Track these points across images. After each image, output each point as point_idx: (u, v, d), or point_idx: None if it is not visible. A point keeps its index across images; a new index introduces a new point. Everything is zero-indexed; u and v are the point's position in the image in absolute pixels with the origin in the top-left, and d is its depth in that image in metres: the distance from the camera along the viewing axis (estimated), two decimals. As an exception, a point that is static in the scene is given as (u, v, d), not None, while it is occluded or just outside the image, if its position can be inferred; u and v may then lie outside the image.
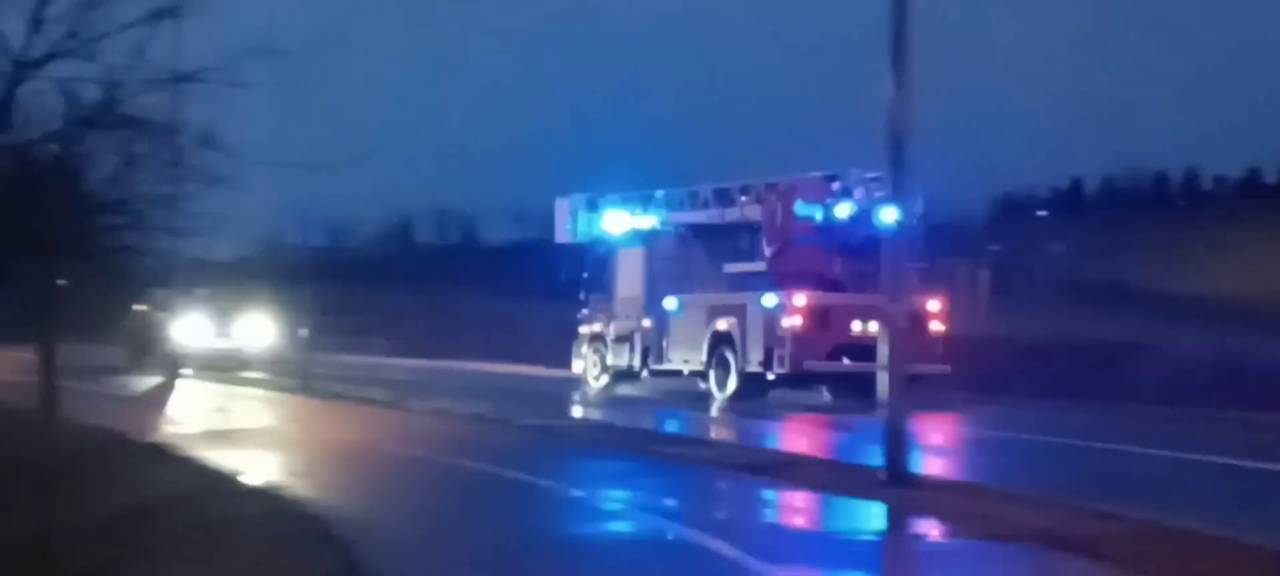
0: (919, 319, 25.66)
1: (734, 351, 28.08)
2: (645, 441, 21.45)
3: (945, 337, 27.72)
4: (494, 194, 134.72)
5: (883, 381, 16.74)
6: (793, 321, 27.14)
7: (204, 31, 16.54)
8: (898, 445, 15.93)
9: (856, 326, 26.86)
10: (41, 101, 14.47)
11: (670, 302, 29.96)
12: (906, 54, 15.95)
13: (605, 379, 32.12)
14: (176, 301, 38.47)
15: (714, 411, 27.77)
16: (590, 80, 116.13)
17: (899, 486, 15.56)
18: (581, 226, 31.94)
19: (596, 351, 32.18)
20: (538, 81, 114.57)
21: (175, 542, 14.08)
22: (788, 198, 28.06)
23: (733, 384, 28.27)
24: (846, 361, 27.06)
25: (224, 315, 39.95)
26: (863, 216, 26.83)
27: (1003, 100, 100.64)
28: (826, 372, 27.74)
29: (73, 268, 14.79)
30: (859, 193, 27.67)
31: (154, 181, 13.72)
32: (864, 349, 25.08)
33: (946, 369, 27.26)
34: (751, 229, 29.29)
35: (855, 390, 26.06)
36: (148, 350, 39.44)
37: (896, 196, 16.49)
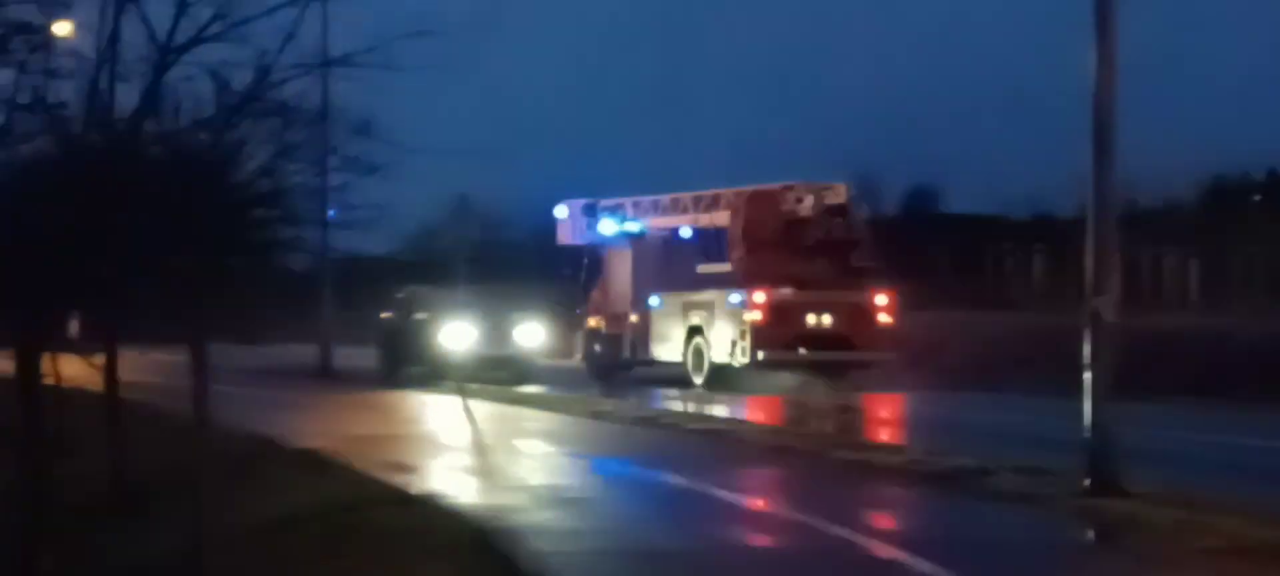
0: (868, 311, 30.36)
1: (706, 343, 31.30)
2: (822, 446, 20.65)
3: (893, 328, 30.88)
4: (648, 185, 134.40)
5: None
6: (753, 316, 29.98)
7: (355, 14, 16.23)
8: (1104, 451, 14.91)
9: (811, 319, 30.31)
10: (192, 89, 14.22)
11: (653, 300, 33.12)
12: (1111, 23, 14.93)
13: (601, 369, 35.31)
14: (439, 301, 35.14)
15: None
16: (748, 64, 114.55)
17: (1104, 496, 14.58)
18: (580, 229, 35.56)
19: (593, 344, 35.91)
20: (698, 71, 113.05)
21: (324, 553, 13.79)
22: (751, 205, 31.43)
23: (706, 372, 31.70)
24: (802, 351, 30.57)
25: (496, 317, 34.92)
26: (817, 222, 31.13)
27: (1212, 73, 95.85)
28: (783, 361, 30.84)
29: (233, 263, 14.47)
30: (809, 200, 31.27)
31: (308, 172, 13.30)
32: (819, 338, 30.30)
33: (892, 356, 30.87)
34: (720, 233, 32.05)
35: (822, 373, 31.16)
36: (406, 359, 35.52)
37: (1099, 186, 15.30)
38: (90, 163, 14.32)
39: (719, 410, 27.46)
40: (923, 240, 54.63)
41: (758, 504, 16.55)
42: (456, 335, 33.77)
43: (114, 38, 15.46)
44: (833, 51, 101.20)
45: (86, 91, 15.27)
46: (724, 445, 21.56)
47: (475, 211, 34.99)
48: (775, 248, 31.04)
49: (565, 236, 36.48)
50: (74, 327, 23.34)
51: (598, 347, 35.61)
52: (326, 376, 38.06)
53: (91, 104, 15.34)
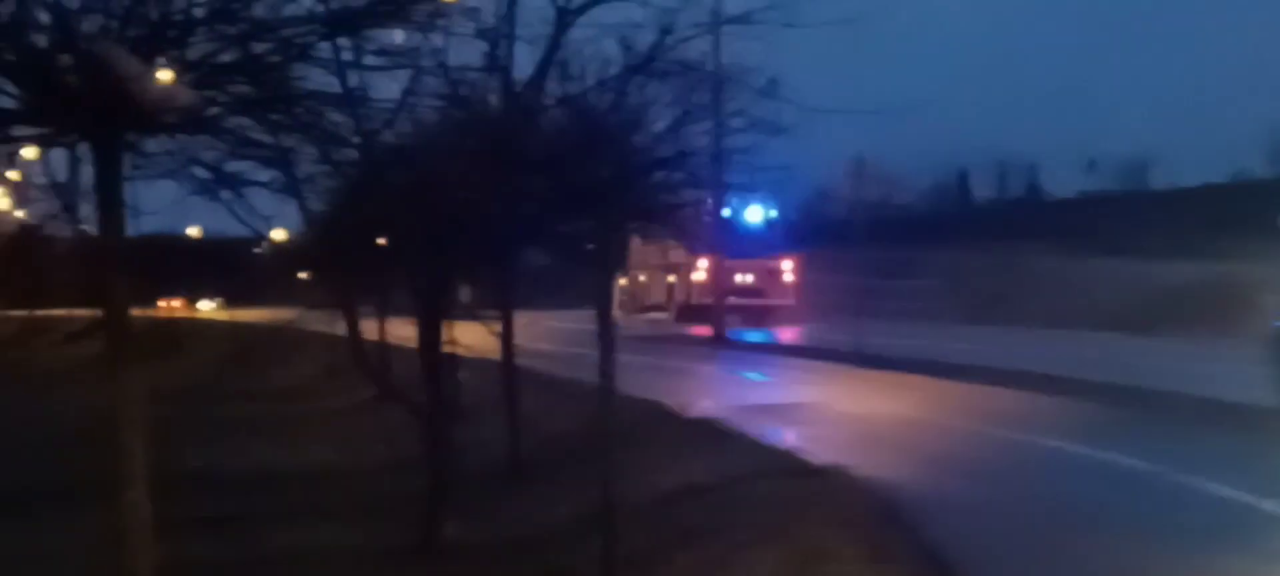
0: (779, 272, 49.65)
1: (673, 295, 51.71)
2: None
3: (796, 284, 49.94)
4: (1061, 142, 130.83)
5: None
6: (699, 275, 48.16)
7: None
8: None
9: (738, 278, 47.46)
10: (591, 52, 14.88)
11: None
12: None
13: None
14: None
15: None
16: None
17: None
18: None
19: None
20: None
21: (726, 523, 14.22)
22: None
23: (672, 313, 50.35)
24: (733, 300, 45.74)
25: None
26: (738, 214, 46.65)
27: None
28: (721, 305, 42.98)
29: (628, 227, 15.09)
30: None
31: (711, 134, 13.75)
32: (743, 291, 48.08)
33: (793, 301, 48.89)
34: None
35: (748, 319, 46.34)
36: None
37: None
38: (490, 126, 15.16)
39: None
40: None
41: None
42: None
43: (513, 1, 16.31)
44: None
45: (486, 55, 16.15)
46: None
47: (872, 173, 34.69)
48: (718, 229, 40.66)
49: None
50: (466, 294, 24.68)
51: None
52: (720, 344, 38.95)
53: (491, 67, 16.23)
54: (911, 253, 52.62)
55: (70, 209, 8.13)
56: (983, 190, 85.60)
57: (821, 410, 22.91)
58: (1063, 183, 77.57)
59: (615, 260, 14.45)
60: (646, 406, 21.57)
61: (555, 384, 25.90)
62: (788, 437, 19.02)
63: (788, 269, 49.96)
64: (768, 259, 49.07)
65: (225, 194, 9.42)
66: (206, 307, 74.33)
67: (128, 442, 8.03)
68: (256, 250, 57.14)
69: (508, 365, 20.76)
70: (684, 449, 18.92)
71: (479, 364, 23.62)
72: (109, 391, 8.09)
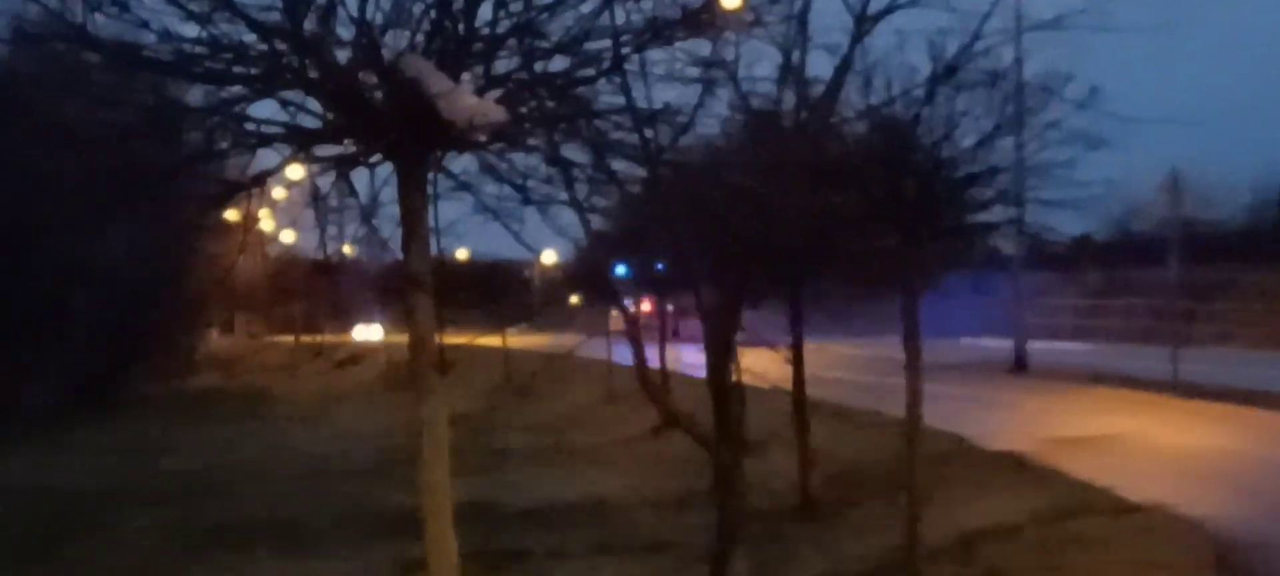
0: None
1: None
2: None
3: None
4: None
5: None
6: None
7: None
8: None
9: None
10: (891, 61, 14.72)
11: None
12: None
13: None
14: None
15: None
16: None
17: None
18: None
19: None
20: None
21: (1042, 567, 13.91)
22: None
23: None
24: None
25: None
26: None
27: None
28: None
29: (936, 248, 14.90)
30: None
31: (1026, 147, 13.50)
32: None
33: None
34: None
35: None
36: None
37: None
38: (787, 137, 15.10)
39: None
40: None
41: None
42: None
43: (806, 6, 16.24)
44: None
45: (780, 65, 16.10)
46: None
47: (1188, 188, 33.42)
48: None
49: None
50: (752, 319, 24.65)
51: None
52: (1019, 371, 38.24)
53: (784, 76, 16.18)
54: (1228, 273, 50.88)
55: (372, 230, 8.28)
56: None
57: (1135, 442, 22.31)
58: None
59: (921, 281, 14.24)
60: (944, 438, 21.27)
61: (846, 414, 25.75)
62: (1101, 472, 18.53)
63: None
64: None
65: (510, 213, 9.48)
66: (364, 336, 70.76)
67: (433, 476, 8.16)
68: (526, 275, 59.35)
69: (799, 394, 20.69)
70: (988, 484, 18.62)
71: (764, 393, 23.59)
72: (412, 421, 8.24)
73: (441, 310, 8.35)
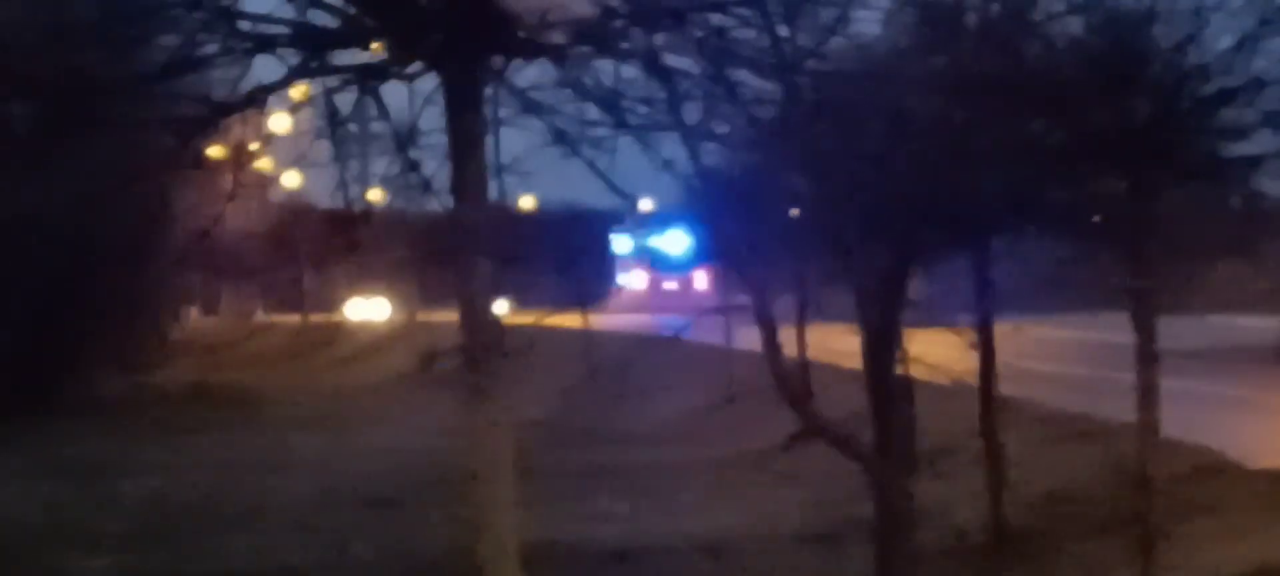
0: (692, 282, 73.93)
1: None
2: None
3: (708, 289, 64.31)
4: None
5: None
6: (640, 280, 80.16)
7: None
8: None
9: (666, 286, 76.31)
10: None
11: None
12: None
13: None
14: None
15: None
16: None
17: None
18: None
19: None
20: None
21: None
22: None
23: None
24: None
25: None
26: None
27: None
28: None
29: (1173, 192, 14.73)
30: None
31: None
32: (671, 295, 73.89)
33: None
34: None
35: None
36: None
37: None
38: (972, 47, 14.96)
39: None
40: None
41: None
42: None
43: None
44: None
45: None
46: None
47: None
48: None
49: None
50: (922, 292, 24.53)
51: None
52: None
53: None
54: None
55: (410, 166, 8.24)
56: None
57: None
58: None
59: (1155, 241, 14.09)
60: (1192, 453, 21.06)
61: (1053, 418, 25.60)
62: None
63: None
64: None
65: (598, 143, 9.38)
66: (361, 314, 71.78)
67: (492, 506, 8.14)
68: (616, 228, 68.62)
69: (986, 393, 20.56)
70: (1255, 514, 18.47)
71: (943, 391, 23.47)
72: (462, 430, 8.22)
73: (503, 277, 8.33)
